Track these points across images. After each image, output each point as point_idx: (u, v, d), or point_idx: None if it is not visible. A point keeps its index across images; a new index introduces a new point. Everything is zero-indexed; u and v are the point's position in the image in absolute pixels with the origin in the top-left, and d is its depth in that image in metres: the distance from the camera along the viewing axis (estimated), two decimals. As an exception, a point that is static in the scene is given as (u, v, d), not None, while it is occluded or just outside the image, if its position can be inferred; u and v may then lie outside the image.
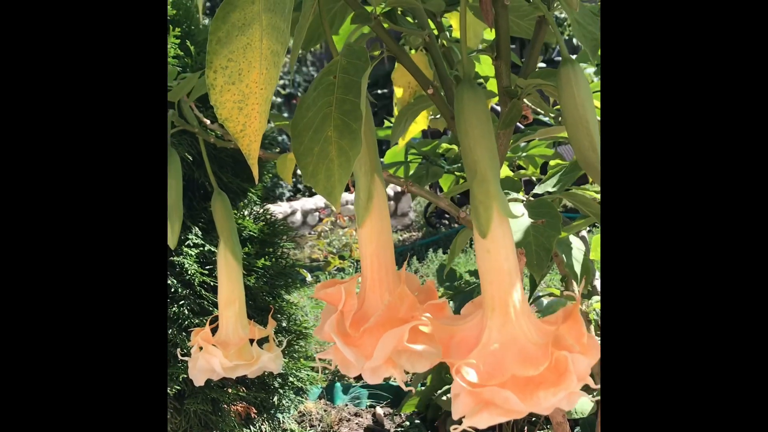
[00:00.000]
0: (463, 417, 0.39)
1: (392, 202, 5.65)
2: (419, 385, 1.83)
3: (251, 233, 1.35)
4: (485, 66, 0.91)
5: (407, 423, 2.04)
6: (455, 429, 0.38)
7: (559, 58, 0.44)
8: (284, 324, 1.44)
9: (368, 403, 2.24)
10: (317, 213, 5.45)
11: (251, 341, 0.68)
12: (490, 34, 0.86)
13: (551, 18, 0.48)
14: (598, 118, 0.46)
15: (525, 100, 0.53)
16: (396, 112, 1.04)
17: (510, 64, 0.53)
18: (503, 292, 0.42)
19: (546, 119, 0.99)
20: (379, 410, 2.17)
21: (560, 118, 0.65)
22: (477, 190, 0.44)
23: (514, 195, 0.74)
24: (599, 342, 0.42)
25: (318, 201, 5.50)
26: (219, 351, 0.65)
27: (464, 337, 0.45)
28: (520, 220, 0.68)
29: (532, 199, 0.75)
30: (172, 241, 0.68)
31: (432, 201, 0.68)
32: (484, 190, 0.44)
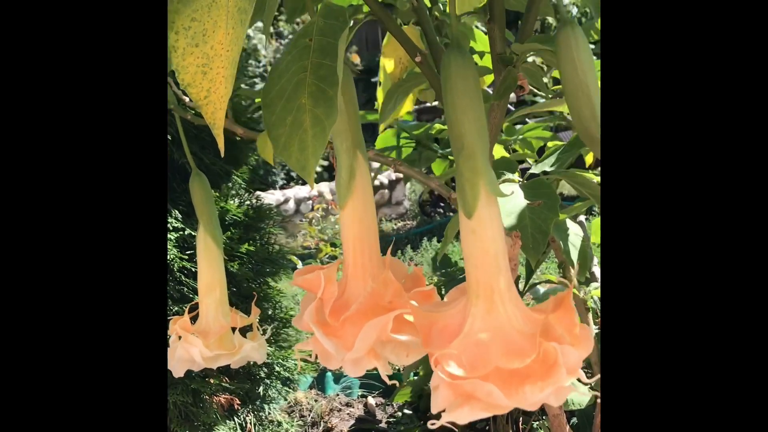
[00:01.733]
0: (443, 411, 0.36)
1: (386, 191, 5.62)
2: (411, 374, 1.81)
3: (235, 217, 1.31)
4: (479, 42, 0.87)
5: (399, 413, 2.02)
6: (433, 424, 0.35)
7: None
8: (270, 312, 1.40)
9: (360, 393, 2.22)
10: (311, 201, 5.42)
11: (233, 330, 0.66)
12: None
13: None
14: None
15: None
16: (379, 92, 0.99)
17: (504, 29, 0.49)
18: (489, 276, 0.40)
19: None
20: (371, 400, 2.16)
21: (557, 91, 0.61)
22: (463, 165, 0.41)
23: (509, 176, 0.71)
24: (593, 332, 0.40)
25: (310, 189, 5.44)
26: (199, 340, 0.62)
27: (446, 325, 0.42)
28: (516, 201, 0.65)
29: (527, 181, 0.71)
30: None
31: (422, 182, 0.65)
32: (470, 166, 0.41)
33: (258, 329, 0.70)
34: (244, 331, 0.67)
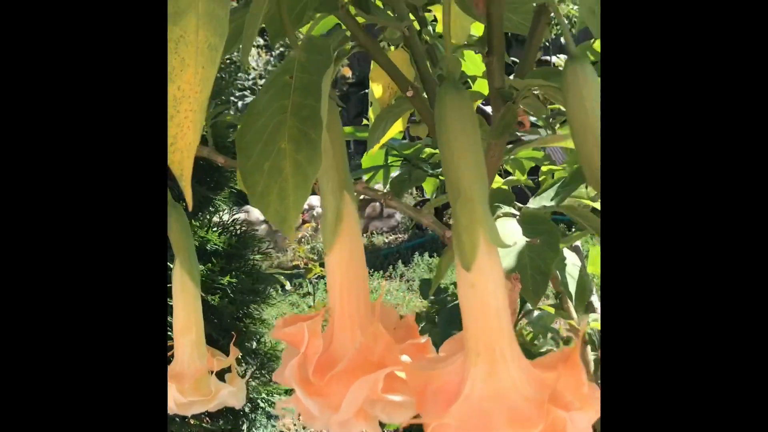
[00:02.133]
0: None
1: (377, 204, 5.60)
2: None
3: (216, 246, 1.26)
4: (471, 65, 0.84)
5: (391, 440, 1.97)
6: None
7: (548, 58, 0.38)
8: (254, 345, 1.35)
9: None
10: (301, 217, 5.36)
11: (211, 372, 0.62)
12: (478, 29, 0.79)
13: (554, 3, 0.40)
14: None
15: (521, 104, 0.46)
16: (371, 113, 0.97)
17: (504, 62, 0.46)
18: (490, 334, 0.38)
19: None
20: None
21: (557, 124, 0.58)
22: (460, 212, 0.38)
23: (506, 209, 0.67)
24: (599, 392, 0.37)
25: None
26: (173, 385, 0.59)
27: (442, 385, 0.40)
28: (514, 238, 0.61)
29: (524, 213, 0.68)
30: None
31: (413, 217, 0.62)
32: (468, 213, 0.38)
33: (237, 371, 0.67)
34: (224, 371, 0.63)
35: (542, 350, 1.59)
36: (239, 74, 5.49)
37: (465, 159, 0.38)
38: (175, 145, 0.35)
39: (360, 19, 0.45)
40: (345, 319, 0.45)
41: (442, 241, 0.61)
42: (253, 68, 5.78)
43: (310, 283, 2.84)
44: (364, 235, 5.39)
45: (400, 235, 5.41)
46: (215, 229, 1.30)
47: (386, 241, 5.34)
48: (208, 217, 1.33)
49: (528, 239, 0.61)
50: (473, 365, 0.37)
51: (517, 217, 0.65)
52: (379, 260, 4.56)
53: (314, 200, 5.53)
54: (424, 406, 0.39)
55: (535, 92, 0.43)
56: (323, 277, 3.07)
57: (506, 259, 0.58)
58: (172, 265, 0.68)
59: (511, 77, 0.50)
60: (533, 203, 0.68)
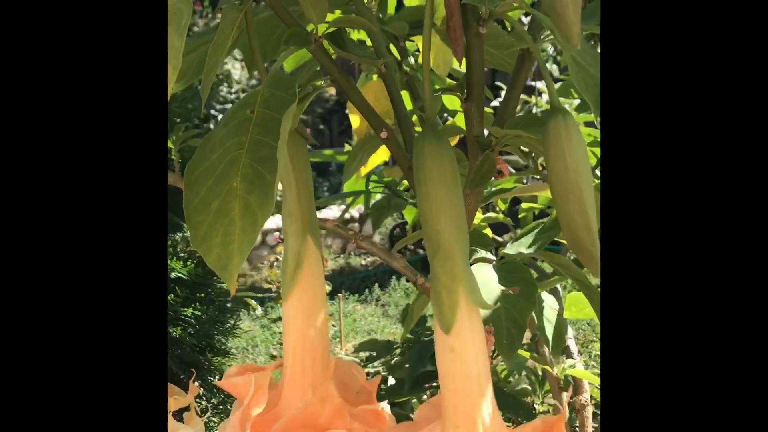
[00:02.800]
0: None
1: (356, 224, 5.58)
2: None
3: (180, 275, 1.21)
4: (453, 98, 0.82)
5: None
6: None
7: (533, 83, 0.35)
8: (216, 379, 1.30)
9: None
10: (277, 233, 5.33)
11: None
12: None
13: (538, 53, 0.38)
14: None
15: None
16: (356, 136, 0.95)
17: (483, 108, 0.43)
18: (470, 404, 0.36)
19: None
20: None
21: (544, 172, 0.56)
22: (439, 269, 0.36)
23: (482, 253, 0.64)
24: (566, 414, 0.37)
25: (278, 220, 5.36)
26: None
27: None
28: (490, 287, 0.58)
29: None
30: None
31: (385, 261, 0.60)
32: (448, 270, 0.36)
33: (196, 411, 0.64)
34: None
35: (517, 388, 1.57)
36: (221, 87, 5.46)
37: (445, 212, 0.36)
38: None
39: (331, 52, 0.43)
40: (297, 374, 0.42)
41: (415, 286, 0.58)
42: (236, 81, 5.75)
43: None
44: (342, 255, 5.35)
45: (377, 258, 5.38)
46: (181, 255, 1.25)
47: (363, 263, 5.30)
48: (173, 245, 1.29)
49: (503, 288, 0.58)
50: None
51: (493, 263, 0.63)
52: (355, 283, 4.52)
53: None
54: None
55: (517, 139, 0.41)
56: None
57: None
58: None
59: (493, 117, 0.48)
60: (510, 249, 0.66)
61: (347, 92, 0.42)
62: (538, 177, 0.57)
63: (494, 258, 0.65)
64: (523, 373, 1.56)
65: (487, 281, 0.60)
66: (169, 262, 1.22)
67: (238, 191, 0.34)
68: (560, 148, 0.36)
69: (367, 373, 2.34)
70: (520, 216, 1.11)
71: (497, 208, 1.27)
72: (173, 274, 1.20)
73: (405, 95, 0.67)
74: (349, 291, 4.24)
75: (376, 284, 4.37)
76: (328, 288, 2.80)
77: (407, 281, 4.42)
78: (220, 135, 0.35)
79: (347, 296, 4.07)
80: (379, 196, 1.59)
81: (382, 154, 1.04)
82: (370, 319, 3.77)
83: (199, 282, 1.24)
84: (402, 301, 3.97)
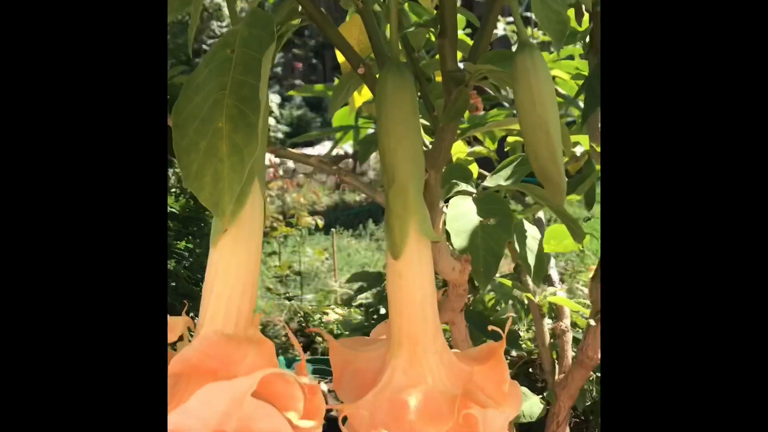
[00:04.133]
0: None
1: (350, 160, 5.56)
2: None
3: (172, 209, 1.24)
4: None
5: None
6: None
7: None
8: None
9: (310, 379, 2.21)
10: (271, 169, 5.29)
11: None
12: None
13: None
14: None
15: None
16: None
17: (456, 44, 0.45)
18: (413, 326, 0.38)
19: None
20: (324, 386, 2.14)
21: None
22: (393, 201, 0.38)
23: (463, 186, 0.67)
24: (520, 390, 0.38)
25: (270, 156, 5.34)
26: None
27: (362, 368, 0.40)
28: (469, 218, 0.61)
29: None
30: None
31: (370, 195, 0.61)
32: (401, 202, 0.38)
33: (188, 340, 0.67)
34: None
35: (503, 317, 1.63)
36: (211, 21, 5.32)
37: (402, 146, 0.38)
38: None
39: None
40: (217, 317, 0.36)
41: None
42: (227, 15, 5.60)
43: (277, 242, 2.83)
44: (336, 192, 5.37)
45: (372, 194, 5.40)
46: (172, 191, 1.28)
47: (357, 199, 5.33)
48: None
49: (482, 219, 0.61)
50: (394, 356, 0.37)
51: (473, 195, 0.65)
52: (349, 218, 4.56)
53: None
54: (341, 385, 0.41)
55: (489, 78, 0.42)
56: (288, 236, 3.05)
57: (459, 239, 0.58)
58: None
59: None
60: (489, 181, 0.68)
61: (323, 29, 0.44)
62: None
63: (474, 191, 0.67)
64: (509, 302, 1.61)
65: (466, 213, 0.62)
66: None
67: (224, 131, 0.35)
68: (527, 83, 0.37)
69: (360, 305, 2.40)
70: (506, 149, 1.13)
71: (485, 146, 1.28)
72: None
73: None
74: (343, 226, 4.29)
75: (370, 219, 4.41)
76: (321, 223, 2.85)
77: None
78: (202, 76, 0.37)
79: (341, 231, 4.12)
80: (365, 136, 1.59)
81: (367, 94, 1.05)
82: (364, 254, 3.83)
83: (192, 216, 1.27)
84: (396, 235, 4.02)
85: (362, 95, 1.11)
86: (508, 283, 1.04)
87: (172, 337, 0.58)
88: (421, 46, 0.78)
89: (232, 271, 0.36)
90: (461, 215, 0.61)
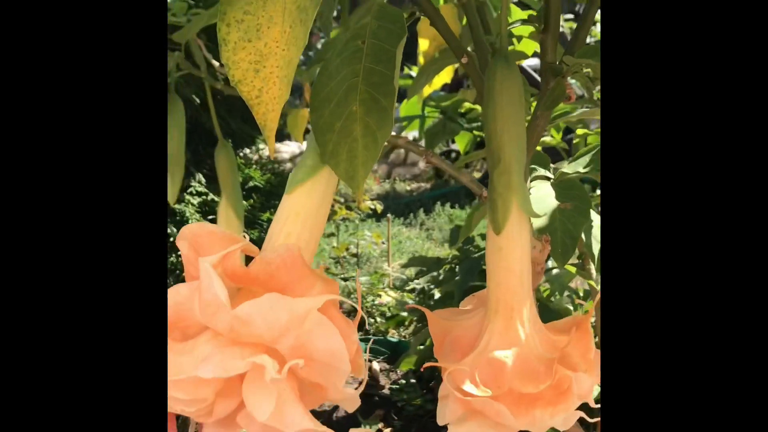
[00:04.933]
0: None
1: (402, 150, 5.57)
2: (419, 345, 1.85)
3: (257, 184, 1.32)
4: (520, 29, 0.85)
5: (403, 381, 2.07)
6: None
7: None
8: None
9: (365, 357, 2.27)
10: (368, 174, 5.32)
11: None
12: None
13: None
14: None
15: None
16: (421, 62, 0.99)
17: (558, 38, 0.49)
18: (511, 296, 0.40)
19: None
20: (376, 365, 2.20)
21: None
22: (497, 180, 0.41)
23: (541, 171, 0.71)
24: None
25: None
26: None
27: (460, 336, 0.43)
28: (547, 202, 0.65)
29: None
30: (171, 196, 0.66)
31: (454, 175, 0.65)
32: (505, 182, 0.41)
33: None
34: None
35: (557, 307, 1.65)
36: None
37: (509, 131, 0.40)
38: (260, 98, 0.36)
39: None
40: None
41: (479, 198, 0.65)
42: None
43: (335, 224, 2.90)
44: (387, 181, 5.42)
45: (422, 184, 5.43)
46: (255, 166, 1.35)
47: (408, 188, 5.36)
48: (249, 155, 1.39)
49: (560, 203, 0.64)
50: (491, 322, 0.40)
51: (552, 180, 0.69)
52: (400, 207, 4.60)
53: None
54: (441, 352, 0.43)
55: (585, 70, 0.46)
56: (347, 219, 3.12)
57: (538, 221, 0.62)
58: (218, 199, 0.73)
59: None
60: (568, 168, 0.72)
61: (433, 19, 0.48)
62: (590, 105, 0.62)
63: (551, 176, 0.71)
64: (565, 293, 1.62)
65: (545, 197, 0.66)
66: (248, 171, 1.31)
67: (358, 114, 0.38)
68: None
69: (412, 289, 2.44)
70: (574, 142, 1.16)
71: (551, 137, 1.31)
72: (251, 183, 1.30)
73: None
74: (395, 214, 4.34)
75: (421, 209, 4.44)
76: (380, 207, 2.91)
77: (451, 207, 4.49)
78: (335, 64, 0.40)
79: (393, 219, 4.17)
80: (432, 125, 1.62)
81: (444, 77, 1.09)
82: (415, 241, 3.88)
83: (274, 191, 1.34)
84: (446, 226, 4.05)
85: (431, 85, 1.15)
86: (572, 269, 1.07)
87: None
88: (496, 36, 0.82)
89: (304, 216, 0.38)
90: (540, 199, 0.65)
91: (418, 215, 4.37)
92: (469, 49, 0.52)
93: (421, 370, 1.64)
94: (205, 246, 0.35)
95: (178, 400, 0.31)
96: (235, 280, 0.35)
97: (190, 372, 0.30)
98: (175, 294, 0.33)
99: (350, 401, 0.35)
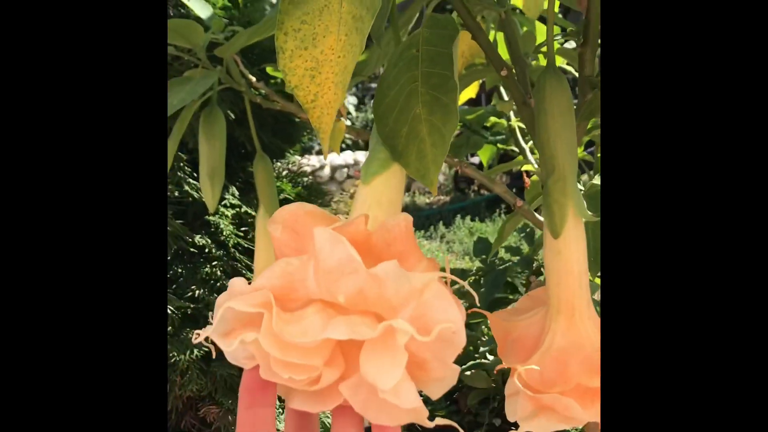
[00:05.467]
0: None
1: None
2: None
3: (288, 196, 1.34)
4: (539, 35, 0.86)
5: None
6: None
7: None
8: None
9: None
10: (345, 169, 5.39)
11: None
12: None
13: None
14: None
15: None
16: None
17: (596, 52, 0.50)
18: (571, 295, 0.42)
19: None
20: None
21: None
22: (552, 187, 0.43)
23: (574, 182, 0.72)
24: None
25: (347, 157, 5.48)
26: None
27: (522, 336, 0.44)
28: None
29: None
30: (212, 205, 0.68)
31: (487, 186, 0.66)
32: (560, 188, 0.42)
33: None
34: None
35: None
36: None
37: (561, 139, 0.42)
38: (315, 102, 0.38)
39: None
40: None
41: (513, 207, 0.66)
42: None
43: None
44: (407, 193, 5.44)
45: (442, 197, 5.45)
46: (285, 180, 1.38)
47: (427, 201, 5.37)
48: (280, 169, 1.42)
49: (591, 213, 0.65)
50: (554, 321, 0.41)
51: (582, 192, 0.69)
52: (420, 220, 4.62)
53: (360, 155, 5.52)
54: (505, 352, 0.45)
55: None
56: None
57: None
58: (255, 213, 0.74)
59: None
60: (597, 180, 0.73)
61: (475, 33, 0.50)
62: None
63: (582, 187, 0.72)
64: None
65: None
66: (279, 183, 1.33)
67: (422, 115, 0.39)
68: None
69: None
70: (598, 155, 1.16)
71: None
72: (282, 195, 1.32)
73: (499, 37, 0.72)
74: (415, 227, 4.33)
75: (441, 222, 4.45)
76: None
77: (471, 220, 4.49)
78: (392, 75, 0.42)
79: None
80: (455, 138, 1.63)
81: (469, 92, 1.11)
82: (436, 254, 3.88)
83: (304, 202, 1.36)
84: (466, 239, 4.05)
85: (462, 95, 1.16)
86: (598, 281, 1.07)
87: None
88: (531, 51, 0.83)
89: (386, 204, 0.39)
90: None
91: (438, 228, 4.38)
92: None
93: (494, 372, 1.64)
94: (307, 224, 0.35)
95: (290, 366, 0.30)
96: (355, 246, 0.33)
97: (318, 335, 0.29)
98: (285, 265, 0.32)
99: (450, 379, 0.33)
